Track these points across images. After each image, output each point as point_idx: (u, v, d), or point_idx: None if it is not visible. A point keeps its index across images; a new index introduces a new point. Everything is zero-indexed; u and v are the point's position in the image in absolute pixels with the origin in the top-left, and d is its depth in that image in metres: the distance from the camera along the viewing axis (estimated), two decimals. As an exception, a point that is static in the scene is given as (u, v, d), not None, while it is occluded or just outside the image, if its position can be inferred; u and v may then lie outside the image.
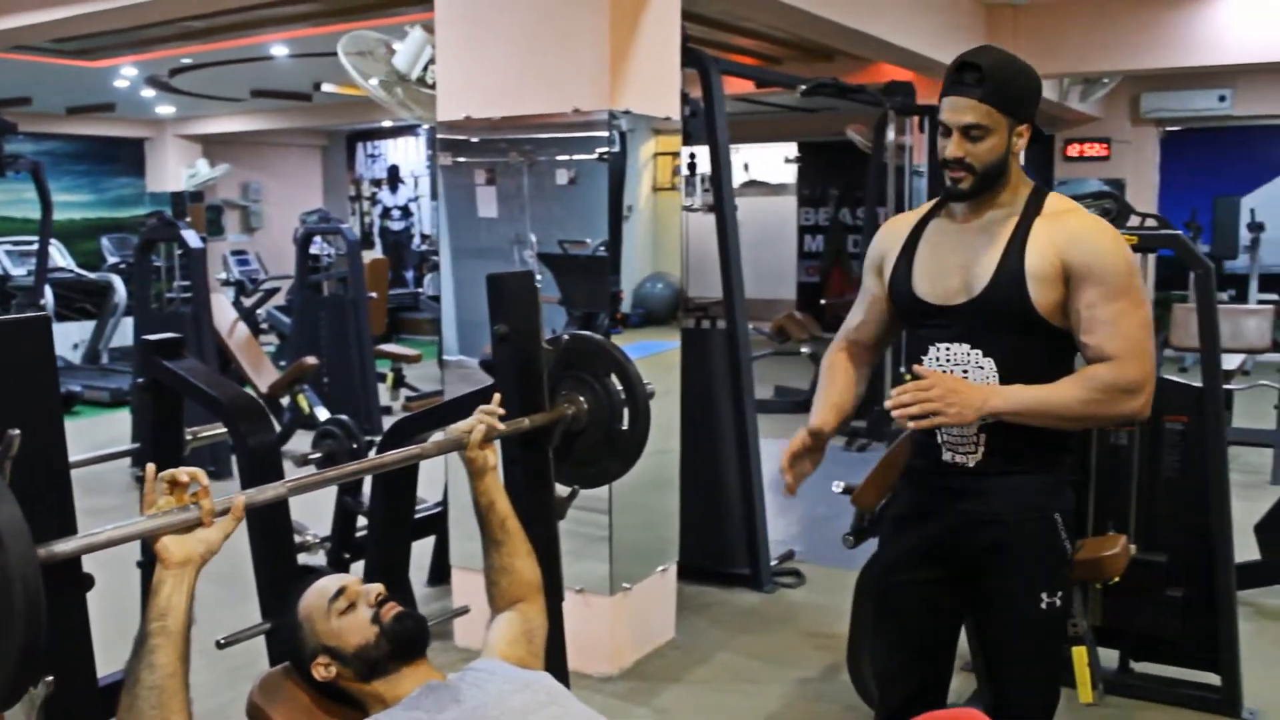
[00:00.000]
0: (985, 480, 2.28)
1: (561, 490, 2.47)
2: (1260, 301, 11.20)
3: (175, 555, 1.60)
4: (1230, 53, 8.09)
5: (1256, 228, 11.59)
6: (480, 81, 3.98)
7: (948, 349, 2.29)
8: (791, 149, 14.04)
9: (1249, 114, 11.35)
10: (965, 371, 2.26)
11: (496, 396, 2.22)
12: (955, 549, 2.34)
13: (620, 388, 2.44)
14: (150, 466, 1.63)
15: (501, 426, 2.18)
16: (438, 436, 2.14)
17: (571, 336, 2.48)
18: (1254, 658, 3.83)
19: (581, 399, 2.44)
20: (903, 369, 2.39)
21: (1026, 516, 2.28)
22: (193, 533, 1.62)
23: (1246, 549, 4.57)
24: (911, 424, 2.19)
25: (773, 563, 4.91)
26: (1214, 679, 3.59)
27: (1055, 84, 9.90)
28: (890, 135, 7.53)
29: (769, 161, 14.65)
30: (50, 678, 1.45)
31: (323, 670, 1.89)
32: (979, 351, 2.25)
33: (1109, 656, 3.67)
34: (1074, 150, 12.14)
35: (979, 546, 2.31)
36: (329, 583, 1.96)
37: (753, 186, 14.74)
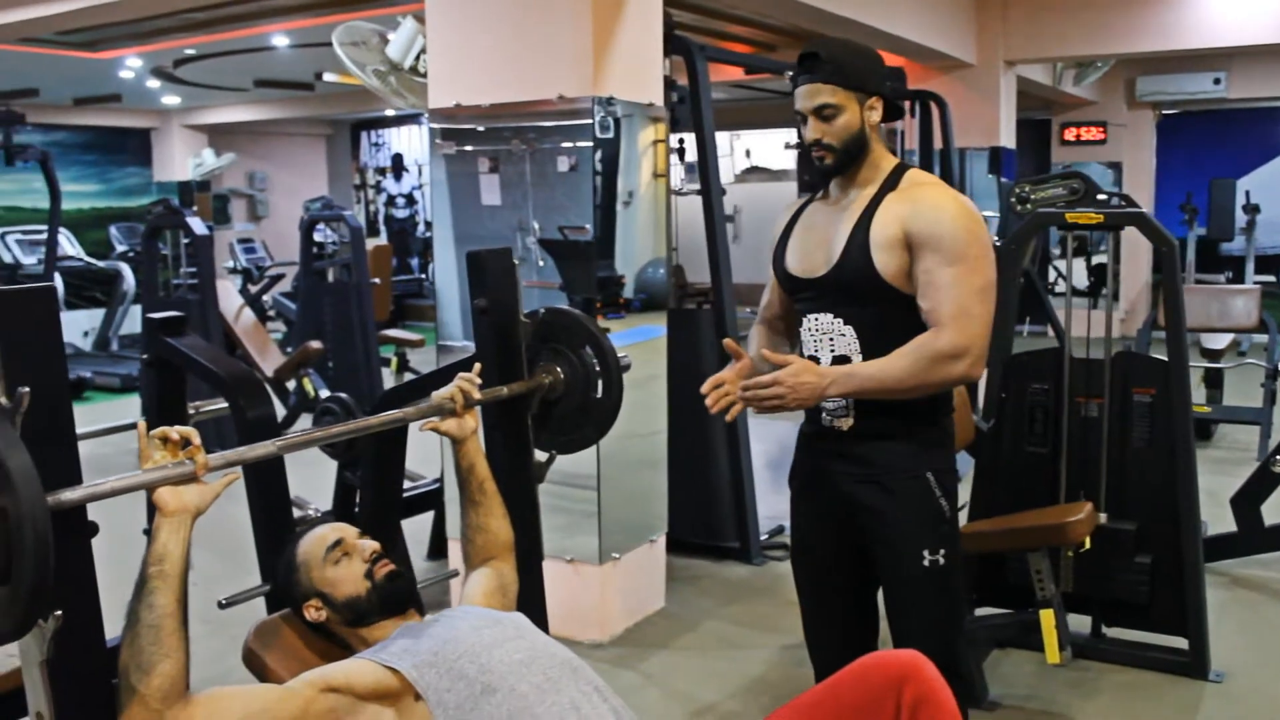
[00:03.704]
0: (860, 444, 2.41)
1: (540, 455, 2.61)
2: (1256, 282, 11.28)
3: (171, 504, 1.73)
4: (1223, 35, 8.11)
5: (1252, 209, 11.66)
6: (468, 69, 4.08)
7: (816, 319, 2.44)
8: (791, 135, 14.10)
9: (1244, 96, 11.42)
10: (831, 340, 2.40)
11: (476, 366, 2.36)
12: (845, 513, 2.45)
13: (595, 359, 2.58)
14: (141, 423, 1.77)
15: (478, 395, 2.31)
16: (422, 403, 2.27)
17: (548, 310, 2.61)
18: (1226, 623, 3.96)
19: (558, 369, 2.58)
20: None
21: (899, 478, 2.38)
22: (188, 485, 1.76)
23: (1226, 521, 4.70)
24: (755, 411, 2.36)
25: (763, 537, 5.04)
26: (1182, 643, 3.69)
27: (1048, 68, 9.96)
28: (882, 119, 7.60)
29: (770, 147, 14.72)
30: (59, 612, 1.59)
31: (314, 612, 2.05)
32: (840, 320, 2.40)
33: (1081, 622, 3.79)
34: (1070, 134, 12.21)
35: (861, 509, 2.41)
36: (328, 532, 2.10)
37: (754, 173, 14.82)
